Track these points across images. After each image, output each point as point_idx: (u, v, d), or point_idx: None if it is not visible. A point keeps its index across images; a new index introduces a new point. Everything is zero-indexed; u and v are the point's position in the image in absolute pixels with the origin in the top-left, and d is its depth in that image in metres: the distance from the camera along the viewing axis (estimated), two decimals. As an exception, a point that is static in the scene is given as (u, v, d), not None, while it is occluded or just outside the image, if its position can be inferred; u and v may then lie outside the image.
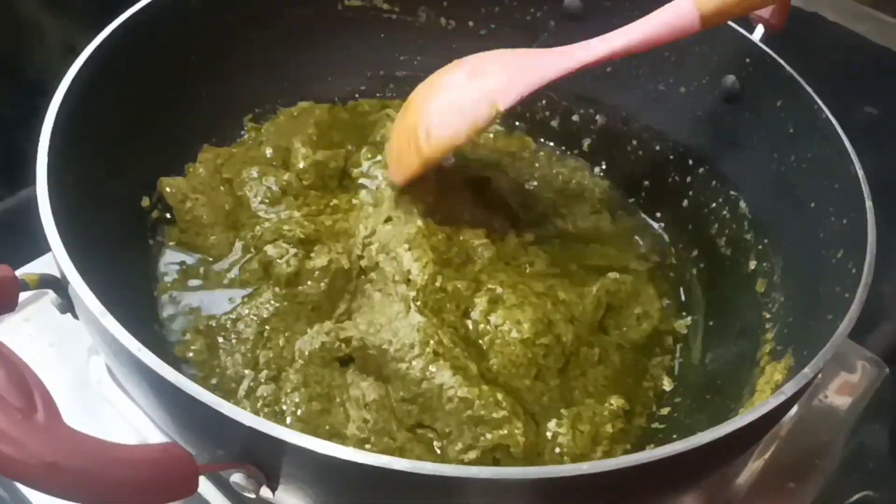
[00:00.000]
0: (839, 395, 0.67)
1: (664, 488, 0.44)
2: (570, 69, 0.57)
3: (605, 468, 0.38)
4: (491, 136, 0.75)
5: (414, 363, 0.53)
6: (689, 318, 0.65)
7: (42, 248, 0.63)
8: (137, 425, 0.57)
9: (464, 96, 0.58)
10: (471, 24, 0.73)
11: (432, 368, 0.53)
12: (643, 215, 0.72)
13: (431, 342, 0.53)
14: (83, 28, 0.73)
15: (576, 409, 0.55)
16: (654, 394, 0.60)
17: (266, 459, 0.38)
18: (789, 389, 0.43)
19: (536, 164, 0.74)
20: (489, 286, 0.59)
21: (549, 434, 0.54)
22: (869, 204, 0.52)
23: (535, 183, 0.71)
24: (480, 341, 0.56)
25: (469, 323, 0.57)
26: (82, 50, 0.72)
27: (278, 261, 0.57)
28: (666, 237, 0.71)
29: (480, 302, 0.58)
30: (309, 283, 0.57)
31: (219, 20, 0.64)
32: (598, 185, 0.73)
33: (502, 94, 0.56)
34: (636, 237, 0.70)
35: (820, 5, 1.14)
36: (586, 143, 0.75)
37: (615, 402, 0.56)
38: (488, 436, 0.51)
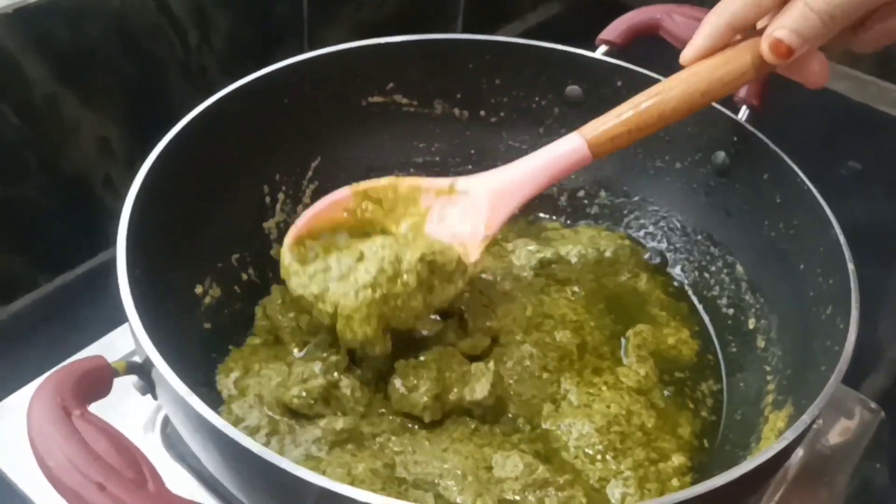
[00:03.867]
0: (840, 439, 0.71)
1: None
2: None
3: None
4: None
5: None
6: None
7: (74, 333, 0.69)
8: (193, 493, 0.62)
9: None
10: (482, 113, 0.78)
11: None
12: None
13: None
14: (115, 122, 0.79)
15: (641, 470, 0.59)
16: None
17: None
18: (790, 435, 0.48)
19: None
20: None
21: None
22: (851, 267, 0.57)
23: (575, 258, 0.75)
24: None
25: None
26: (114, 143, 0.79)
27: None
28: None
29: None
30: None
31: (256, 122, 0.69)
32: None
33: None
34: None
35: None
36: (592, 214, 0.81)
37: (676, 459, 0.60)
38: (552, 500, 0.55)
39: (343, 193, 0.64)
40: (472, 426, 0.60)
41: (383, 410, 0.61)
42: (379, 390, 0.62)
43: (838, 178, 1.06)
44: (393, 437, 0.59)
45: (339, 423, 0.58)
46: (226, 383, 0.63)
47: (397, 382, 0.60)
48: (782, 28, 0.54)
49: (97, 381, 0.46)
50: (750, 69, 0.58)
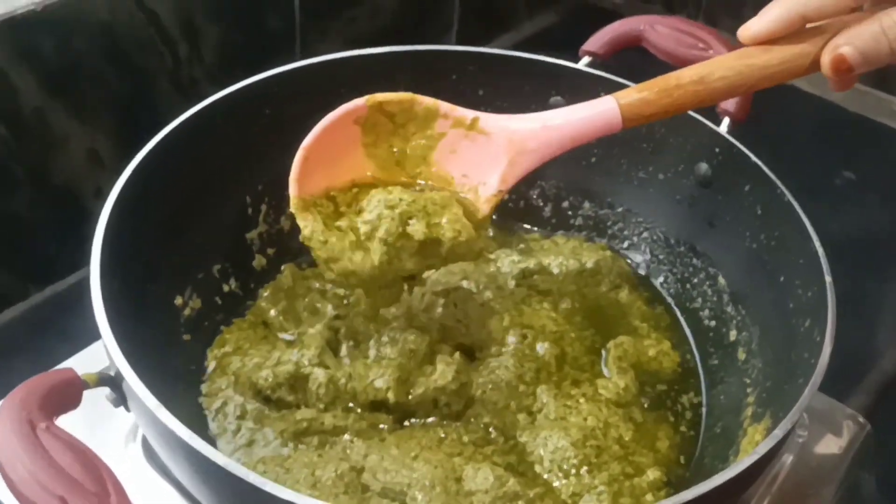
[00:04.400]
0: (827, 451, 0.71)
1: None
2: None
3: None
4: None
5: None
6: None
7: (64, 344, 0.69)
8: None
9: None
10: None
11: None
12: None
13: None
14: (105, 134, 0.80)
15: (616, 485, 0.59)
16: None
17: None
18: (762, 449, 0.48)
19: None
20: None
21: None
22: (829, 279, 0.57)
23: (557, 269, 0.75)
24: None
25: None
26: (104, 155, 0.79)
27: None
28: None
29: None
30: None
31: (240, 132, 0.70)
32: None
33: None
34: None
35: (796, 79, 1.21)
36: (576, 225, 0.81)
37: (651, 474, 0.60)
38: None
39: (357, 103, 0.61)
40: (441, 434, 0.60)
41: (351, 405, 0.62)
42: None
43: (833, 188, 1.06)
44: (357, 440, 0.59)
45: (300, 414, 0.60)
46: (215, 354, 0.66)
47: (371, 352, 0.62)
48: (850, 45, 0.52)
49: (66, 394, 0.46)
50: (801, 71, 0.55)
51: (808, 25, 0.55)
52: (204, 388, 0.65)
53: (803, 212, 0.63)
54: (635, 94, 0.58)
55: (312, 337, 0.65)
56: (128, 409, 0.51)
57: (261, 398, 0.63)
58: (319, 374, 0.62)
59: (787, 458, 0.69)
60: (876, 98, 1.20)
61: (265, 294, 0.71)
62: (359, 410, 0.62)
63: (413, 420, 0.62)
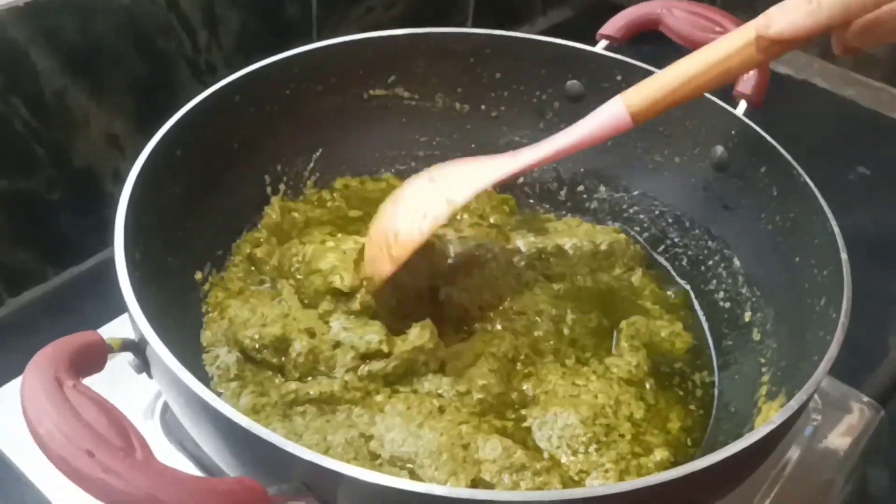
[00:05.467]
0: (839, 437, 0.71)
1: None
2: (518, 169, 0.63)
3: (600, 493, 0.43)
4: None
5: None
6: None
7: (83, 325, 0.69)
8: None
9: (424, 199, 0.64)
10: (483, 107, 0.79)
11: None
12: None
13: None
14: (124, 118, 0.81)
15: (623, 463, 0.59)
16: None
17: (325, 491, 0.44)
18: (777, 419, 0.48)
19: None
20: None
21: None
22: (844, 256, 0.58)
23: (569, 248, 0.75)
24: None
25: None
26: (122, 139, 0.80)
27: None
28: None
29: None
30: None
31: (258, 111, 0.71)
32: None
33: (458, 193, 0.62)
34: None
35: (810, 73, 1.21)
36: (591, 209, 0.81)
37: (659, 454, 0.60)
38: (528, 482, 0.56)
39: None
40: (438, 404, 0.61)
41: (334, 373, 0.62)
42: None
43: (848, 184, 1.06)
44: (358, 408, 0.60)
45: (285, 387, 0.61)
46: (216, 294, 0.67)
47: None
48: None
49: (91, 356, 0.47)
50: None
51: None
52: (203, 337, 0.65)
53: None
54: (641, 92, 0.60)
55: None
56: (150, 376, 0.52)
57: (244, 355, 0.63)
58: (301, 344, 0.62)
59: (801, 444, 0.69)
60: (890, 94, 1.20)
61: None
62: (345, 377, 0.62)
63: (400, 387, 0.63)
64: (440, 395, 0.62)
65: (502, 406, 0.62)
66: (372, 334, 0.62)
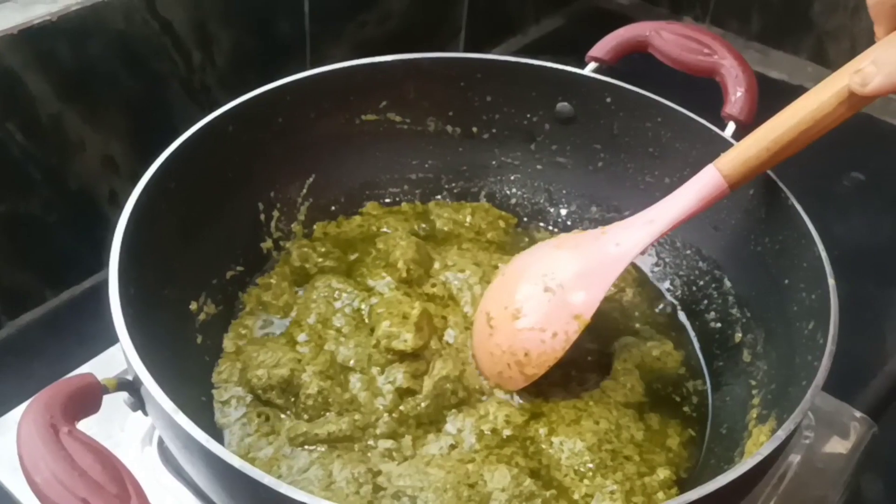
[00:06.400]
0: (833, 452, 0.71)
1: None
2: (628, 261, 0.63)
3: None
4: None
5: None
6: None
7: (81, 347, 0.71)
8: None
9: (550, 315, 0.63)
10: (474, 129, 0.80)
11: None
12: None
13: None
14: (119, 139, 0.81)
15: (629, 483, 0.60)
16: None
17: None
18: (765, 450, 0.49)
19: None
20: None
21: None
22: (831, 282, 0.58)
23: None
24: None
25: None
26: (118, 160, 0.80)
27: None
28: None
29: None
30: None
31: (251, 140, 0.71)
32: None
33: (585, 307, 0.62)
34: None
35: (803, 78, 1.21)
36: (583, 229, 0.81)
37: (662, 473, 0.61)
38: None
39: None
40: (451, 441, 0.62)
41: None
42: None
43: (842, 189, 1.06)
44: (376, 444, 0.61)
45: (293, 430, 0.61)
46: (236, 333, 0.69)
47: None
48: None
49: (86, 399, 0.47)
50: None
51: None
52: (214, 375, 0.66)
53: (808, 215, 0.63)
54: (736, 157, 0.61)
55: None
56: (145, 413, 0.52)
57: (253, 395, 0.64)
58: (315, 388, 0.63)
59: (794, 459, 0.70)
60: (884, 99, 1.19)
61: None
62: (356, 418, 0.62)
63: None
64: (460, 433, 0.63)
65: (511, 438, 0.63)
66: (399, 372, 0.63)
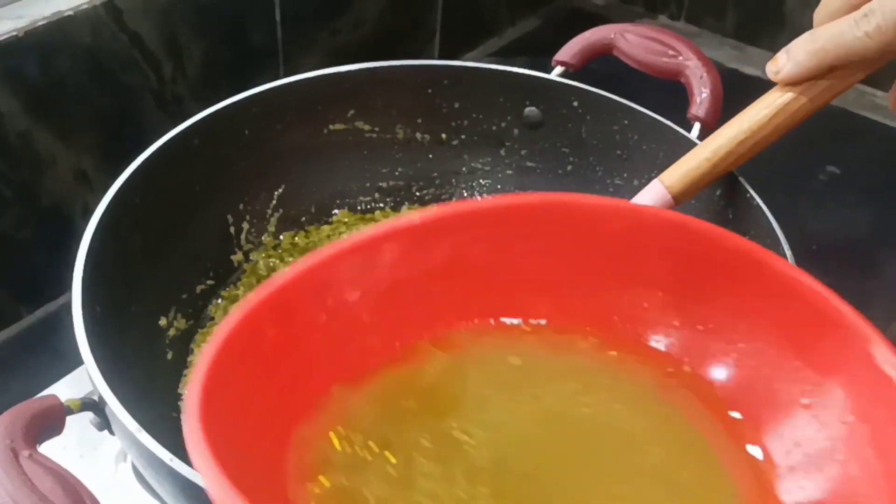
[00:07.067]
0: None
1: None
2: None
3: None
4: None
5: None
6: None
7: (56, 363, 0.70)
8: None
9: None
10: (443, 136, 0.80)
11: None
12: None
13: None
14: (91, 154, 0.81)
15: None
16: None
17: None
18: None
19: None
20: None
21: None
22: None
23: None
24: None
25: None
26: (91, 174, 0.80)
27: None
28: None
29: None
30: None
31: (218, 153, 0.71)
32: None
33: None
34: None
35: (780, 72, 1.22)
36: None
37: None
38: None
39: None
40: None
41: None
42: None
43: (818, 184, 1.07)
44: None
45: None
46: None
47: None
48: None
49: (49, 421, 0.47)
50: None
51: None
52: (181, 388, 0.65)
53: (784, 211, 0.63)
54: (677, 171, 0.61)
55: None
56: (112, 433, 0.52)
57: None
58: None
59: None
60: (859, 91, 1.20)
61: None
62: None
63: None
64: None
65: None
66: None
